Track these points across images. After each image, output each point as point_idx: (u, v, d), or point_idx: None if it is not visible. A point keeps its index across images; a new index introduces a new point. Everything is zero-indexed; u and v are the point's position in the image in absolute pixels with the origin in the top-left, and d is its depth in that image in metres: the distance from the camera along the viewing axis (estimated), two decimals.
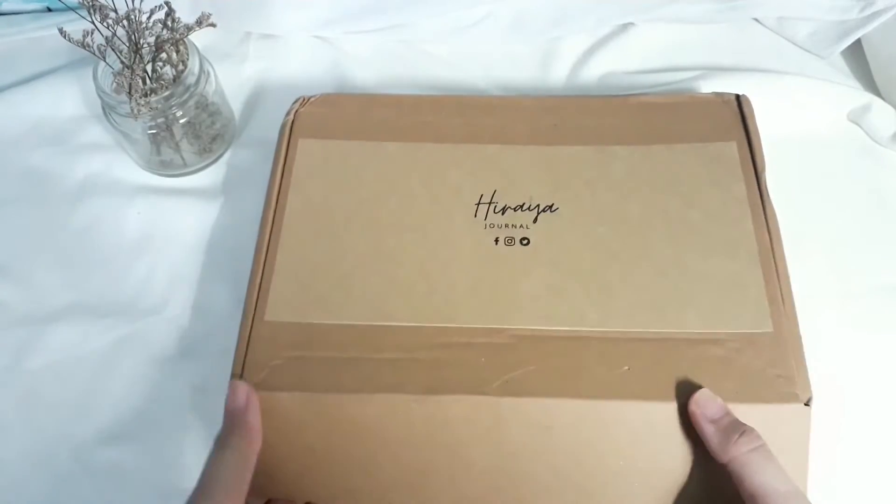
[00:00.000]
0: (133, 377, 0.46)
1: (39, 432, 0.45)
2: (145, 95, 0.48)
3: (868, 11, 0.55)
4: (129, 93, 0.48)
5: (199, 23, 0.48)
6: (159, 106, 0.48)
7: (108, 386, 0.46)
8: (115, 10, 0.47)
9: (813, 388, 0.38)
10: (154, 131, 0.50)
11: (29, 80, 0.58)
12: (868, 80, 0.57)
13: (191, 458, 0.43)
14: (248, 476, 0.34)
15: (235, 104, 0.57)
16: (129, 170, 0.54)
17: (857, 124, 0.55)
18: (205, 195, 0.53)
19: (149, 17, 0.48)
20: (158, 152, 0.52)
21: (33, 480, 0.43)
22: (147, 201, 0.53)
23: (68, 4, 0.56)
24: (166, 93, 0.48)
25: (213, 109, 0.53)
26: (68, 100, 0.57)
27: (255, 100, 0.58)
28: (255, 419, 0.36)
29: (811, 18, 0.57)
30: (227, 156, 0.55)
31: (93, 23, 0.46)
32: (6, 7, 0.63)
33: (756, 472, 0.33)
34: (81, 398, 0.46)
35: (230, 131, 0.55)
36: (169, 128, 0.50)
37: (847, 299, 0.47)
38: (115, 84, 0.49)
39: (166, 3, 0.48)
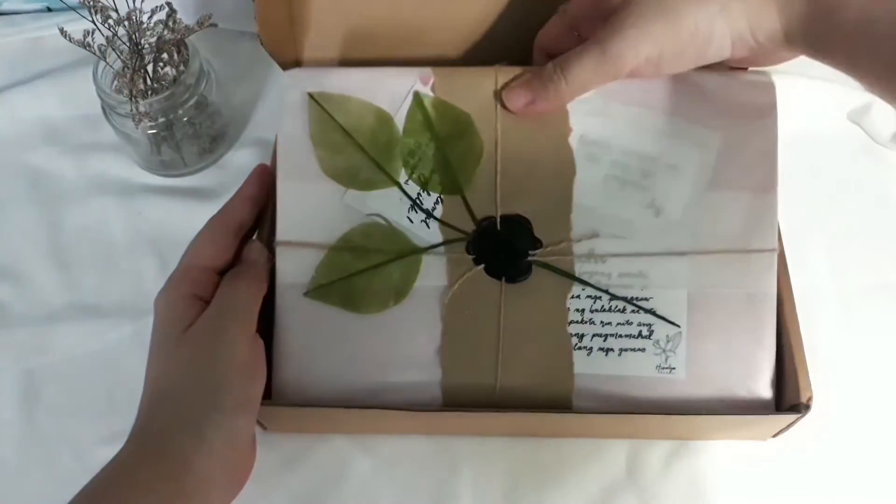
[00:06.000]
0: (133, 377, 0.46)
1: (39, 432, 0.45)
2: (145, 96, 0.48)
3: None
4: (131, 98, 0.48)
5: (200, 23, 0.48)
6: (160, 107, 0.48)
7: (108, 386, 0.46)
8: (116, 11, 0.47)
9: (813, 388, 0.38)
10: (154, 131, 0.50)
11: (29, 80, 0.58)
12: None
13: None
14: (258, 308, 0.37)
15: (235, 104, 0.57)
16: (129, 170, 0.54)
17: (857, 124, 0.55)
18: (205, 195, 0.53)
19: (150, 18, 0.48)
20: (158, 152, 0.52)
21: (33, 480, 0.43)
22: (147, 201, 0.53)
23: (69, 4, 0.56)
24: (167, 93, 0.48)
25: (213, 109, 0.53)
26: (68, 100, 0.57)
27: (255, 100, 0.58)
28: (265, 271, 0.39)
29: None
30: (227, 156, 0.55)
31: (94, 23, 0.46)
32: (6, 7, 0.63)
33: None
34: (81, 398, 0.46)
35: (230, 131, 0.55)
36: (169, 128, 0.50)
37: (847, 299, 0.47)
38: (115, 84, 0.49)
39: (167, 4, 0.48)
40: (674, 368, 0.39)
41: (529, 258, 0.40)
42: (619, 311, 0.40)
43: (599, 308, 0.40)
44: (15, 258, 0.51)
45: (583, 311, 0.40)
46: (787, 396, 0.39)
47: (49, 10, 0.63)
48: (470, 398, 0.39)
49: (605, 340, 0.40)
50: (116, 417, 0.45)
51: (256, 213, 0.41)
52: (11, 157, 0.55)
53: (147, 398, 0.36)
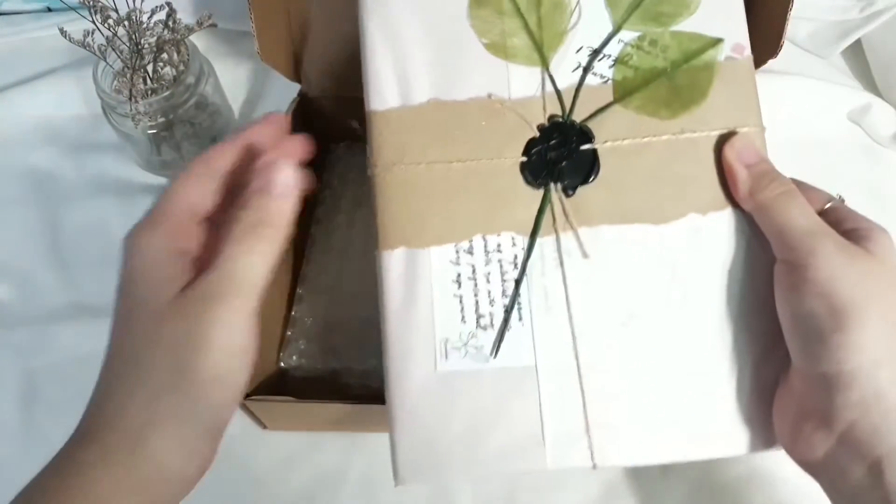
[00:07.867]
0: None
1: (39, 432, 0.45)
2: (145, 96, 0.48)
3: (868, 11, 0.55)
4: (130, 98, 0.48)
5: (200, 23, 0.48)
6: (160, 107, 0.48)
7: None
8: (116, 11, 0.47)
9: None
10: (154, 131, 0.50)
11: (29, 80, 0.58)
12: (868, 80, 0.57)
13: None
14: (267, 277, 0.31)
15: (235, 104, 0.57)
16: (129, 170, 0.54)
17: (857, 124, 0.55)
18: None
19: (150, 18, 0.48)
20: (159, 152, 0.52)
21: None
22: (148, 201, 0.52)
23: (69, 4, 0.56)
24: (166, 93, 0.48)
25: (213, 109, 0.53)
26: (68, 100, 0.57)
27: (254, 100, 0.58)
28: (288, 213, 0.31)
29: (811, 18, 0.57)
30: None
31: (94, 23, 0.47)
32: (6, 7, 0.63)
33: (780, 212, 0.32)
34: (81, 398, 0.45)
35: (230, 131, 0.55)
36: (169, 128, 0.50)
37: None
38: (115, 84, 0.49)
39: (167, 4, 0.48)
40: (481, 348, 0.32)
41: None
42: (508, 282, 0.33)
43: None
44: (15, 258, 0.51)
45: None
46: None
47: (49, 10, 0.63)
48: None
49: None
50: None
51: (255, 167, 0.32)
52: (11, 157, 0.55)
53: (112, 374, 0.32)
